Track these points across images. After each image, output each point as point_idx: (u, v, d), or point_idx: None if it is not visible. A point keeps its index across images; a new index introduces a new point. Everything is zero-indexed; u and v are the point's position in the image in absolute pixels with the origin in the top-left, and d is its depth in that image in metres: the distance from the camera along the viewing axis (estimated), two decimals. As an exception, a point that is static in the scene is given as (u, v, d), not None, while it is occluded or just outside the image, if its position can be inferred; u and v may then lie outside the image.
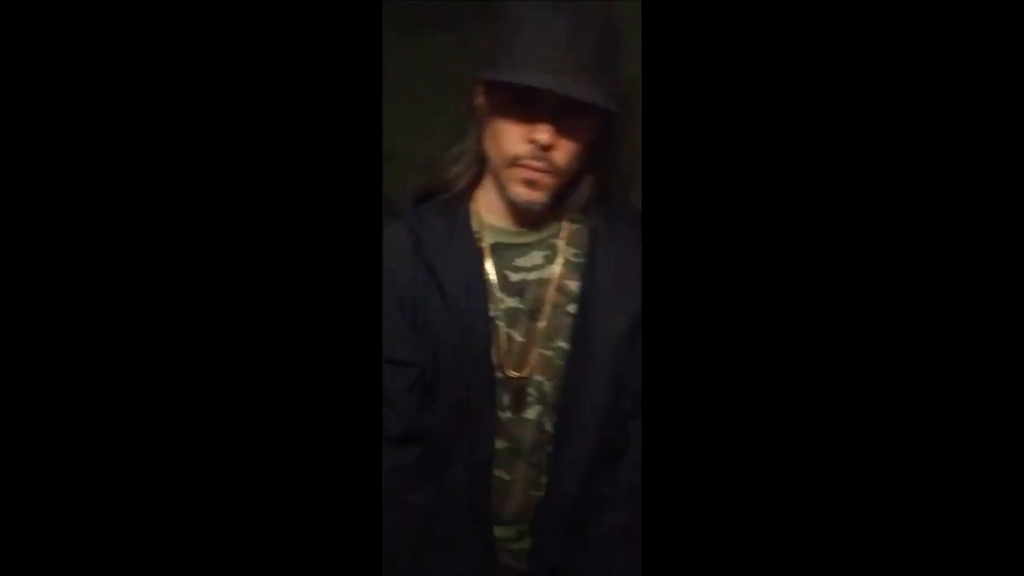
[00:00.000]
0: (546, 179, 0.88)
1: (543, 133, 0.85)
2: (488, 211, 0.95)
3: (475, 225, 0.94)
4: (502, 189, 0.91)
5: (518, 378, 0.91)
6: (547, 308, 0.92)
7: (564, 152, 0.87)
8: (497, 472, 0.92)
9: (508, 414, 0.92)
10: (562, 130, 0.86)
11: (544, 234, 0.95)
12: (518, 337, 0.92)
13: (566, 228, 0.95)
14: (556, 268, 0.93)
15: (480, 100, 0.90)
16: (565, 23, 0.84)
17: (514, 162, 0.88)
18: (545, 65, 0.82)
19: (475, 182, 0.95)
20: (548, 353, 0.92)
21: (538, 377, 0.92)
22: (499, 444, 0.92)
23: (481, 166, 0.93)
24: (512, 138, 0.87)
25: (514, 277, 0.93)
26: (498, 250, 0.94)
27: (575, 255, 0.94)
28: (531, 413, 0.92)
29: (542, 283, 0.93)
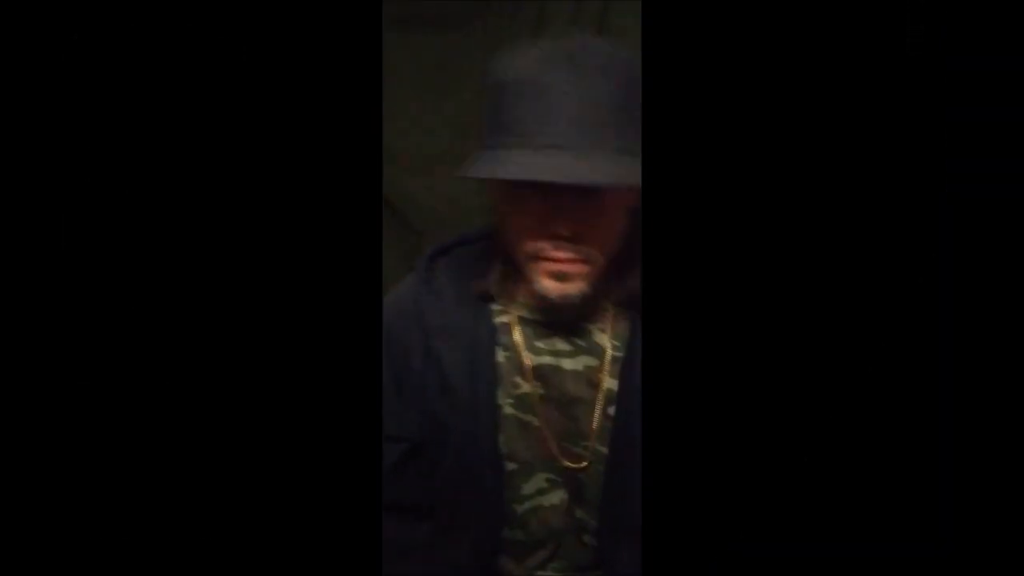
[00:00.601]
0: (579, 268, 0.72)
1: (561, 225, 0.70)
2: (514, 284, 0.79)
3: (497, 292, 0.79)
4: (530, 283, 0.75)
5: (570, 467, 0.78)
6: (574, 403, 0.79)
7: (595, 239, 0.72)
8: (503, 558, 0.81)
9: (527, 505, 0.80)
10: (586, 215, 0.71)
11: (582, 319, 0.80)
12: (535, 423, 0.78)
13: (611, 314, 0.79)
14: (588, 360, 0.79)
15: (489, 190, 0.76)
16: (573, 81, 0.68)
17: (535, 257, 0.73)
18: (544, 142, 0.67)
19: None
20: (591, 456, 0.79)
21: (581, 476, 0.79)
22: (515, 535, 0.81)
23: (508, 254, 0.78)
24: (527, 233, 0.72)
25: (533, 361, 0.79)
26: (522, 324, 0.79)
27: (615, 347, 0.79)
28: (555, 499, 0.80)
29: (570, 375, 0.79)
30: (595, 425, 0.78)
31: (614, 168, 0.68)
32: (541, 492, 0.81)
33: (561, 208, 0.70)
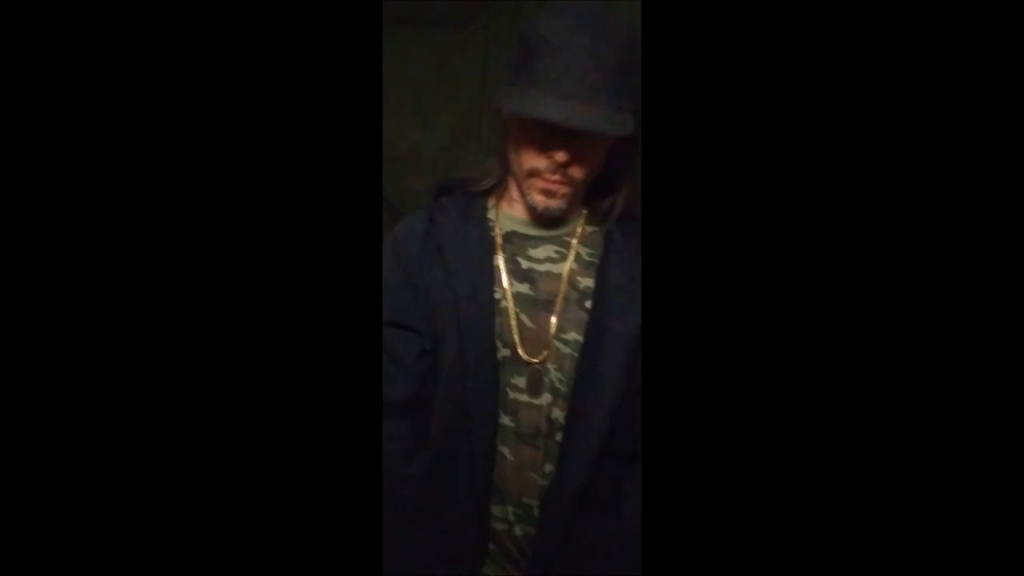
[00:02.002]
0: (563, 189, 0.93)
1: (559, 153, 0.89)
2: (508, 206, 1.00)
3: (492, 216, 0.99)
4: (522, 194, 0.96)
5: (532, 363, 0.94)
6: (559, 300, 0.95)
7: (581, 167, 0.92)
8: (500, 448, 0.94)
9: (523, 396, 0.94)
10: (579, 148, 0.90)
11: (559, 232, 0.99)
12: (528, 323, 0.95)
13: (581, 229, 0.99)
14: (568, 264, 0.97)
15: (502, 115, 0.94)
16: (586, 45, 0.86)
17: (532, 174, 0.93)
18: (560, 91, 0.85)
19: (498, 183, 1.00)
20: (560, 345, 0.94)
21: (551, 366, 0.94)
22: (505, 421, 0.94)
23: (505, 171, 0.98)
24: (530, 154, 0.92)
25: (524, 264, 0.97)
26: (511, 238, 0.98)
27: (589, 254, 0.99)
28: (543, 400, 0.94)
29: (553, 276, 0.97)
30: (569, 316, 0.96)
31: (615, 117, 0.87)
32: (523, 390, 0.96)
33: (562, 140, 0.89)
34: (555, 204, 0.94)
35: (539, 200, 0.94)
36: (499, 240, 0.98)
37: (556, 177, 0.92)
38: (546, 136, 0.90)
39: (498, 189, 1.00)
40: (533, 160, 0.92)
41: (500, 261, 0.97)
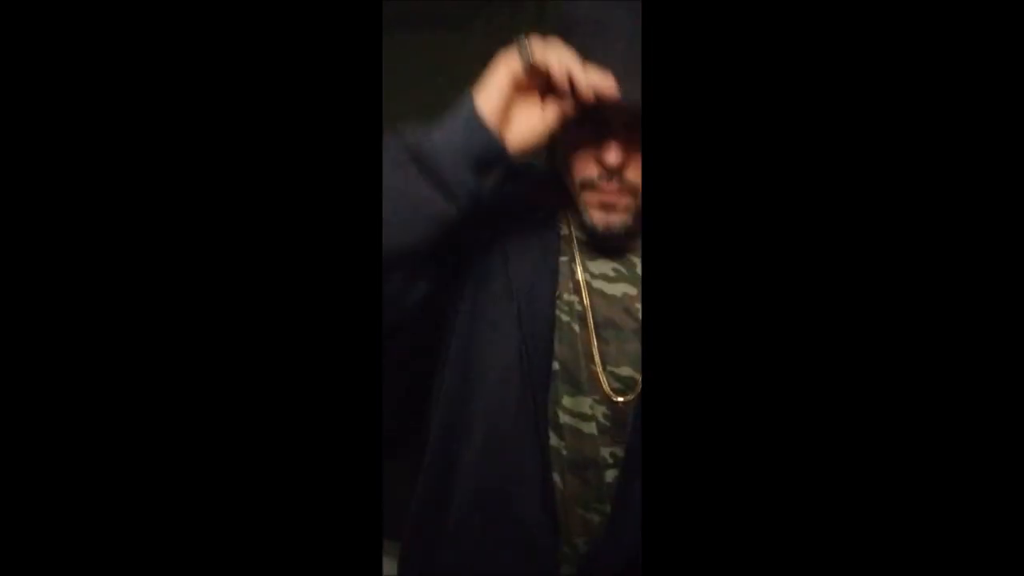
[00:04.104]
0: (624, 200, 0.80)
1: (611, 153, 0.77)
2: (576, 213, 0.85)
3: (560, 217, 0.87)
4: (580, 215, 0.83)
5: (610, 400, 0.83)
6: (609, 327, 0.85)
7: (638, 172, 0.79)
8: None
9: (568, 418, 0.85)
10: (634, 145, 0.78)
11: (626, 248, 0.86)
12: (578, 344, 0.84)
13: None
14: (628, 287, 0.85)
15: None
16: (628, 21, 0.75)
17: (586, 186, 0.81)
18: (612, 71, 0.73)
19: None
20: (606, 378, 0.84)
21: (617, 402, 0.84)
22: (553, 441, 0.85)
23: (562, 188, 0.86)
24: (580, 162, 0.80)
25: (582, 277, 0.86)
26: (578, 243, 0.86)
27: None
28: (590, 427, 0.85)
29: (607, 297, 0.85)
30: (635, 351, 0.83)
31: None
32: (583, 417, 0.85)
33: (610, 139, 0.77)
34: (616, 220, 0.81)
35: (598, 218, 0.81)
36: (568, 237, 0.85)
37: (613, 186, 0.79)
38: (592, 137, 0.78)
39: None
40: (584, 168, 0.80)
41: (562, 263, 0.85)
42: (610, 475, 0.85)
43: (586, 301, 0.85)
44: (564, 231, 0.88)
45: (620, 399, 0.84)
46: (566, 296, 0.85)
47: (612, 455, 0.85)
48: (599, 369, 0.84)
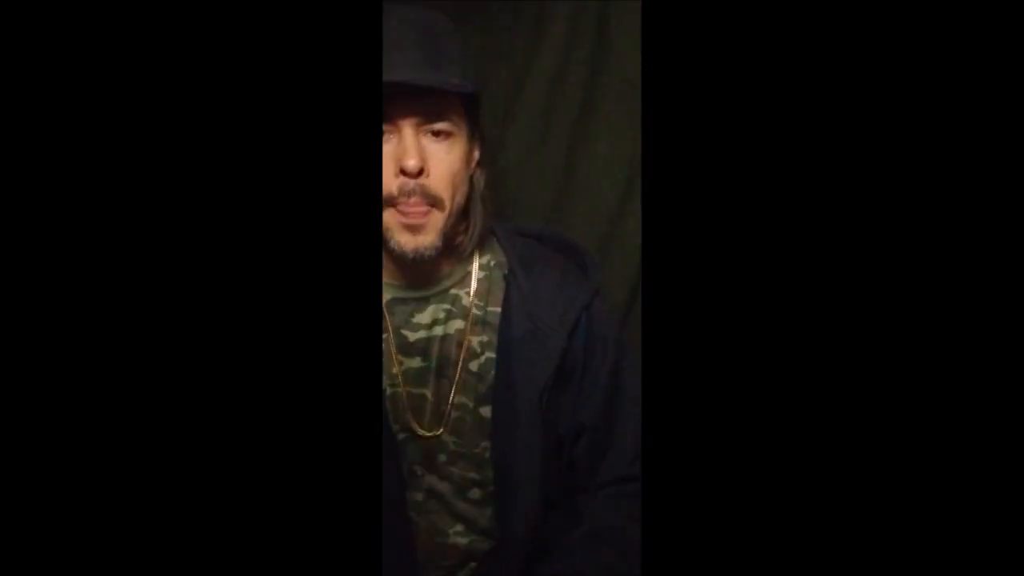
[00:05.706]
0: (430, 218, 0.77)
1: (409, 157, 0.74)
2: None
3: None
4: (386, 242, 0.78)
5: (428, 437, 0.84)
6: (453, 366, 0.84)
7: (439, 177, 0.77)
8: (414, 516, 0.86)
9: (420, 471, 0.86)
10: (430, 149, 0.76)
11: (444, 285, 0.85)
12: (429, 396, 0.84)
13: (471, 276, 0.85)
14: (458, 323, 0.84)
15: None
16: (422, 21, 0.77)
17: (389, 204, 0.76)
18: (405, 58, 0.73)
19: None
20: (457, 414, 0.85)
21: (448, 437, 0.85)
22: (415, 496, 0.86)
23: None
24: (384, 178, 0.76)
25: (413, 337, 0.83)
26: (393, 306, 0.84)
27: (477, 307, 0.85)
28: (453, 469, 0.86)
29: (446, 339, 0.85)
30: (457, 381, 0.83)
31: (464, 80, 0.76)
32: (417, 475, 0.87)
33: (407, 144, 0.75)
34: (425, 241, 0.77)
35: (405, 242, 0.77)
36: (387, 306, 0.82)
37: (416, 200, 0.75)
38: (391, 135, 0.75)
39: None
40: (386, 183, 0.75)
41: (388, 336, 0.82)
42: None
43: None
44: (385, 298, 0.84)
45: (428, 434, 0.84)
46: (398, 365, 0.84)
47: (462, 481, 0.88)
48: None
